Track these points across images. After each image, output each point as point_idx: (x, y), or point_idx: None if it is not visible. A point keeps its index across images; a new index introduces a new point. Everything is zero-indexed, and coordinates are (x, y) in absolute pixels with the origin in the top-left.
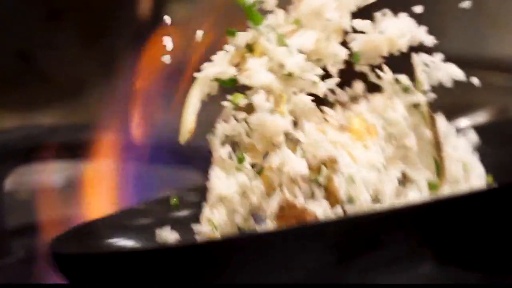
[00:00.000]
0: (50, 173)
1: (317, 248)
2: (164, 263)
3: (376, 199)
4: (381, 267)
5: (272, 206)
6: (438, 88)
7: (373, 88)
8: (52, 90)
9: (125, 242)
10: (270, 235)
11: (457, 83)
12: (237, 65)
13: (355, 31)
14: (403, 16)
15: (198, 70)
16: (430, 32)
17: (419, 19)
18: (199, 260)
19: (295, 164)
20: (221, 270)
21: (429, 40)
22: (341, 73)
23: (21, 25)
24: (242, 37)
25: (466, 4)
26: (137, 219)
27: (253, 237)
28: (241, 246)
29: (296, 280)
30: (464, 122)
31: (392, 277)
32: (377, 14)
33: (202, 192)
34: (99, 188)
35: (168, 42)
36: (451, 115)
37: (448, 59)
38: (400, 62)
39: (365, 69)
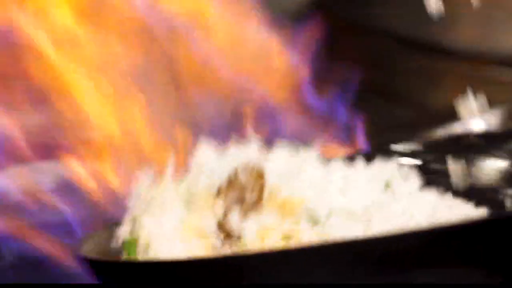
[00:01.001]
0: (41, 174)
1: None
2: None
3: None
4: None
5: None
6: (449, 86)
7: None
8: (44, 88)
9: None
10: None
11: (470, 80)
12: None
13: None
14: None
15: None
16: (442, 25)
17: (429, 11)
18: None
19: None
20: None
21: None
22: None
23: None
24: None
25: None
26: None
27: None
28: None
29: None
30: (476, 119)
31: None
32: None
33: None
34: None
35: None
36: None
37: (459, 54)
38: None
39: None
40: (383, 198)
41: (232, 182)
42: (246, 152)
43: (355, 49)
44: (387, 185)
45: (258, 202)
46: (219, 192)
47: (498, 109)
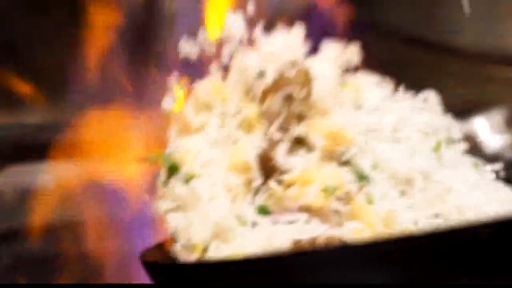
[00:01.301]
0: (37, 175)
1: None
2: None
3: None
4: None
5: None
6: (453, 85)
7: None
8: (40, 87)
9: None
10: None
11: (473, 79)
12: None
13: None
14: None
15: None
16: (444, 23)
17: (431, 10)
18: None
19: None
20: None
21: None
22: None
23: (5, 16)
24: None
25: None
26: None
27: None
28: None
29: None
30: (480, 119)
31: None
32: None
33: None
34: (91, 190)
35: None
36: (467, 112)
37: (462, 53)
38: None
39: None
40: (429, 163)
41: (278, 80)
42: (288, 42)
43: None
44: (437, 148)
45: (306, 99)
46: (265, 93)
47: (501, 107)
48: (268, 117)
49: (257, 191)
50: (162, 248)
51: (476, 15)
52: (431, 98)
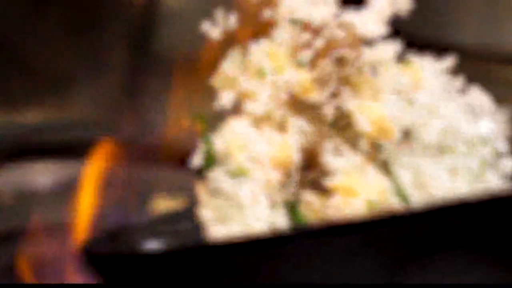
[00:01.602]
0: (36, 175)
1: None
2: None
3: None
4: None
5: None
6: None
7: None
8: (38, 85)
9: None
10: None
11: (473, 79)
12: None
13: None
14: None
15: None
16: (446, 23)
17: (431, 10)
18: (230, 259)
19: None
20: (263, 268)
21: None
22: None
23: (5, 16)
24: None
25: None
26: (174, 224)
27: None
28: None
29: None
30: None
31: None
32: None
33: None
34: (89, 191)
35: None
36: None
37: (464, 52)
38: None
39: None
40: (468, 187)
41: (328, 43)
42: None
43: None
44: (481, 168)
45: (356, 61)
46: (317, 56)
47: (505, 108)
48: (319, 84)
49: (289, 186)
50: (111, 239)
51: (477, 15)
52: (477, 96)
